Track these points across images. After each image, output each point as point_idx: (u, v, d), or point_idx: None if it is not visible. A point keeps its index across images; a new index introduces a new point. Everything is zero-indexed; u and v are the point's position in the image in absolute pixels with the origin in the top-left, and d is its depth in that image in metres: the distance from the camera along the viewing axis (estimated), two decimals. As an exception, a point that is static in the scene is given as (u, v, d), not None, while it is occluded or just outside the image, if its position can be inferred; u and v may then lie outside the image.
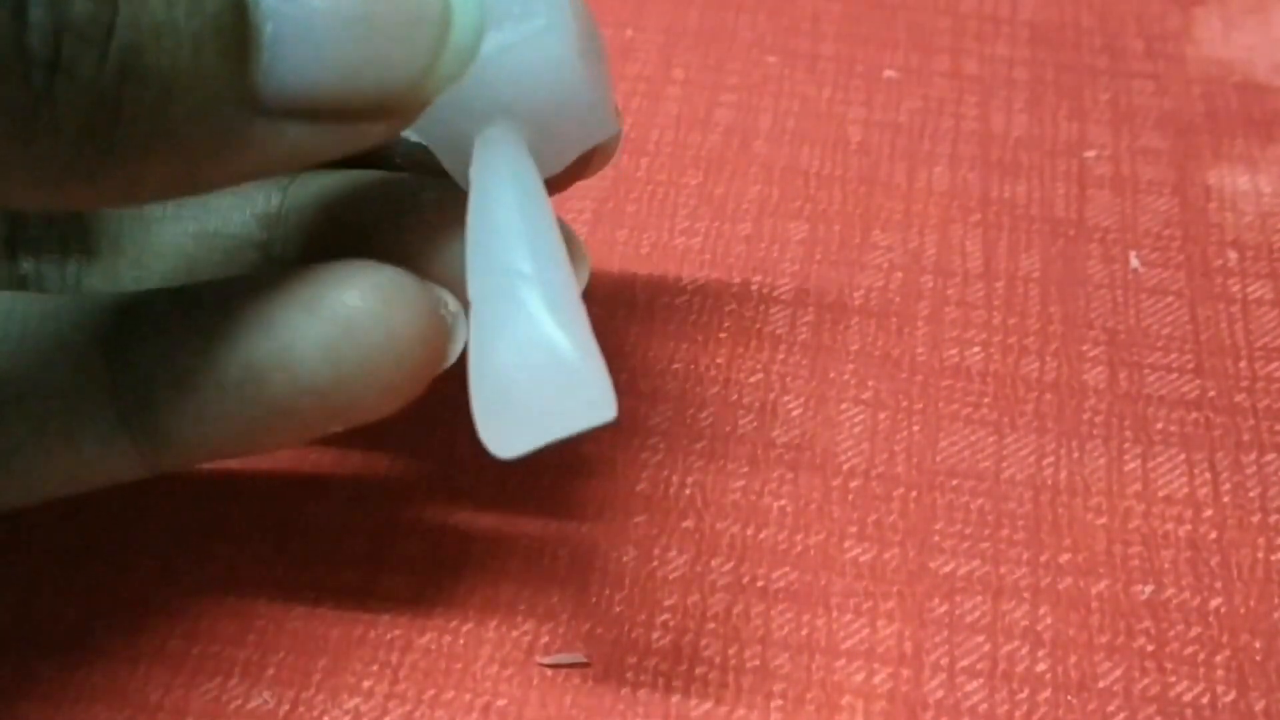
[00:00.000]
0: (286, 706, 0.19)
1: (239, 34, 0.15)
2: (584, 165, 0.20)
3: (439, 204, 0.19)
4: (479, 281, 0.17)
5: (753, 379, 0.24)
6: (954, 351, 0.25)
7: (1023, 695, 0.20)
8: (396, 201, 0.19)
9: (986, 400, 0.24)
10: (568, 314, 0.16)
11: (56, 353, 0.18)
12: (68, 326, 0.18)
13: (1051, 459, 0.23)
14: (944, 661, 0.20)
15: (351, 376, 0.17)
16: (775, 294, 0.26)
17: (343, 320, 0.17)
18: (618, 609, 0.21)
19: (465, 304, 0.18)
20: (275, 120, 0.15)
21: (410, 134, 0.19)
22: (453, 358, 0.18)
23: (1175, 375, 0.24)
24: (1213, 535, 0.22)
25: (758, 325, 0.25)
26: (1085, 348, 0.25)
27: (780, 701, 0.20)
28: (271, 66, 0.15)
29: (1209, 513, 0.22)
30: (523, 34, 0.17)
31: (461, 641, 0.20)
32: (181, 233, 0.20)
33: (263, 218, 0.20)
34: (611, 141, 0.20)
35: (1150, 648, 0.20)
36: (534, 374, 0.16)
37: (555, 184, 0.19)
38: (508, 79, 0.18)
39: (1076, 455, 0.23)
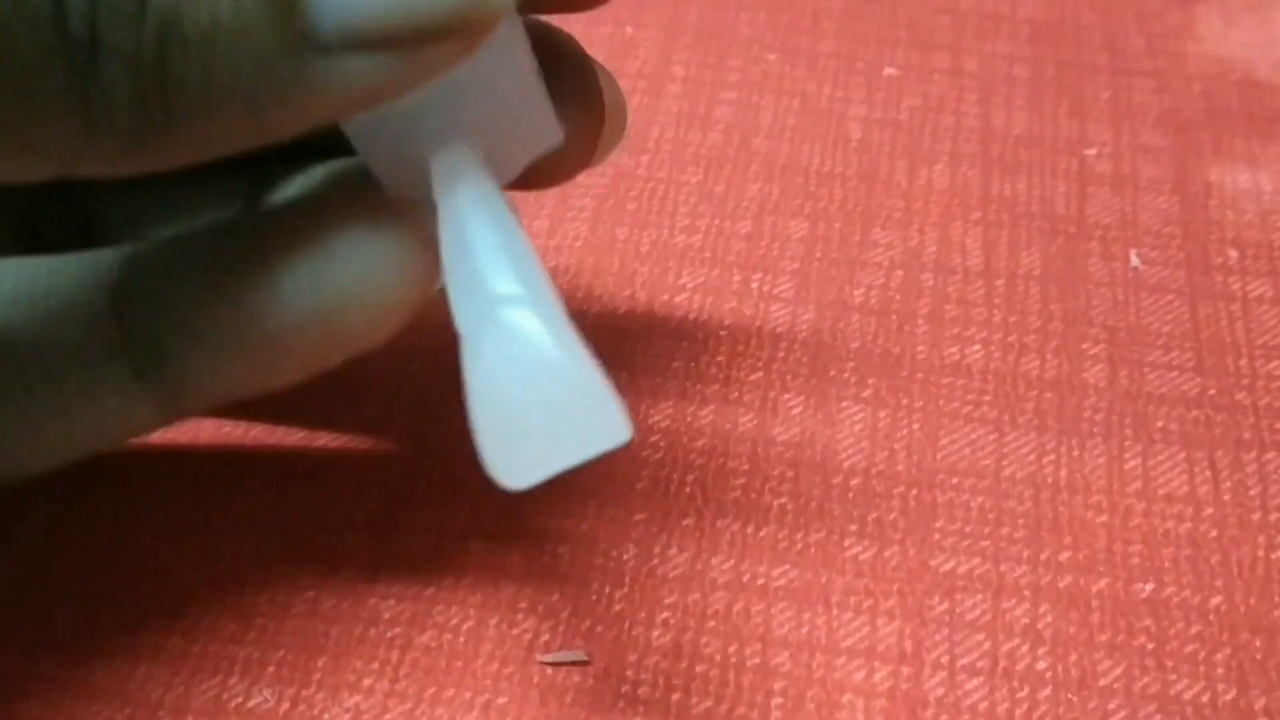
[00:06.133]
0: (287, 704, 0.19)
1: None
2: (534, 177, 0.19)
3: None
4: (468, 310, 0.16)
5: (753, 377, 0.24)
6: (954, 349, 0.25)
7: (1023, 693, 0.20)
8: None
9: (987, 398, 0.24)
10: (568, 336, 0.16)
11: (68, 311, 0.18)
12: (76, 284, 0.18)
13: (1052, 457, 0.23)
14: (944, 659, 0.20)
15: (338, 305, 0.17)
16: (775, 292, 0.26)
17: (323, 250, 0.17)
18: (618, 607, 0.21)
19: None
20: (335, 57, 0.15)
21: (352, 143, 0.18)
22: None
23: (1176, 373, 0.24)
24: (1213, 533, 0.22)
25: (758, 323, 0.25)
26: (1085, 345, 0.25)
27: (781, 700, 0.20)
28: (320, 1, 0.14)
29: (1209, 511, 0.22)
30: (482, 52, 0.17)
31: (462, 639, 0.20)
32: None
33: None
34: (556, 151, 0.19)
35: (1150, 646, 0.20)
36: (543, 401, 0.16)
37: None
38: (468, 98, 0.17)
39: (1077, 453, 0.23)
